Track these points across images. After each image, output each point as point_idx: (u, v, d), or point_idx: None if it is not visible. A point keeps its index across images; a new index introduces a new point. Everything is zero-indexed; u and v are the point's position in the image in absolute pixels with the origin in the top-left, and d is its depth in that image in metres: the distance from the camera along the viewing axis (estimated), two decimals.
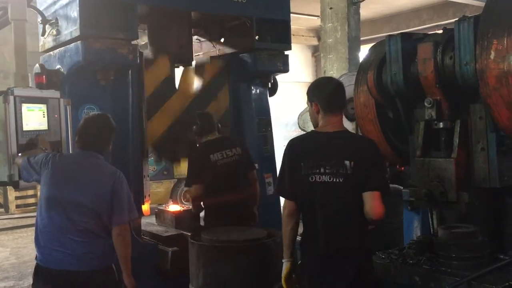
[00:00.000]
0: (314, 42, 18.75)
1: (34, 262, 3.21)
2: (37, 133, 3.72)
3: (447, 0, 13.41)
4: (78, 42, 3.94)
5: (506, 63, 2.62)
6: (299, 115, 7.07)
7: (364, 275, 2.80)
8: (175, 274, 4.07)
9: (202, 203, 4.45)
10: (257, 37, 4.88)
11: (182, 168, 5.03)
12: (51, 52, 4.41)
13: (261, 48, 4.94)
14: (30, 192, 11.50)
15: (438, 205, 3.12)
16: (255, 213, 4.48)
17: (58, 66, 4.22)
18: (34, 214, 3.39)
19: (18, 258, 7.76)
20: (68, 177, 3.17)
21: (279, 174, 3.06)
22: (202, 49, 5.51)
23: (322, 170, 2.79)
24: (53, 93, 3.94)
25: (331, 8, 9.44)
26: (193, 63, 5.20)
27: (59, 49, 4.26)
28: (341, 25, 9.31)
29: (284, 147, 3.01)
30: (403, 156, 3.54)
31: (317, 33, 16.96)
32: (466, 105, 3.04)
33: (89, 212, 3.08)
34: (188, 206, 4.92)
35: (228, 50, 5.18)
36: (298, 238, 3.00)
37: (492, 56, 2.68)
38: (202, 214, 4.61)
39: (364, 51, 5.91)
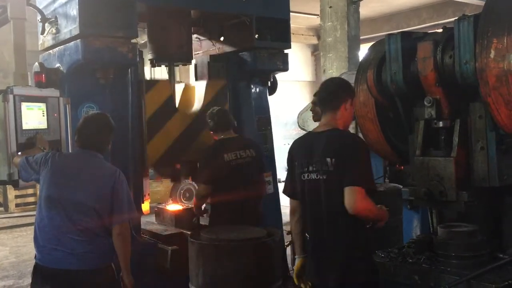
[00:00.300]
0: (314, 41, 18.75)
1: (34, 261, 3.21)
2: (37, 132, 3.72)
3: None
4: (78, 40, 3.94)
5: (506, 62, 2.62)
6: (299, 114, 7.06)
7: (351, 274, 2.81)
8: (174, 273, 4.07)
9: (204, 205, 4.46)
10: (256, 36, 4.88)
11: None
12: (51, 51, 4.41)
13: (261, 46, 4.94)
14: (30, 191, 11.49)
15: (437, 204, 3.12)
16: (261, 214, 4.49)
17: (58, 65, 4.22)
18: (34, 213, 3.39)
19: (17, 257, 7.76)
20: (68, 176, 3.17)
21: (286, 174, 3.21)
22: (202, 47, 5.51)
23: (310, 168, 2.94)
24: (53, 92, 3.93)
25: (330, 7, 9.44)
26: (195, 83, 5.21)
27: (59, 47, 4.26)
28: (340, 24, 9.31)
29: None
30: (403, 155, 3.53)
31: (317, 32, 16.96)
32: (465, 104, 3.04)
33: (89, 211, 3.08)
34: (188, 204, 4.92)
35: (227, 48, 5.18)
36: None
37: (492, 55, 2.68)
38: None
39: (363, 50, 5.91)
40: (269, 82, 5.34)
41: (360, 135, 3.73)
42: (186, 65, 5.33)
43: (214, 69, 5.17)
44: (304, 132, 3.92)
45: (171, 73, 5.04)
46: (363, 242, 2.89)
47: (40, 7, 4.48)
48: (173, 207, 4.96)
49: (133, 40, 4.21)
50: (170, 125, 4.69)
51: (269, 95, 5.46)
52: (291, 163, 3.07)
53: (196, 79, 5.39)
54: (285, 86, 13.85)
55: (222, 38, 5.30)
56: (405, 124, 3.34)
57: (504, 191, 3.04)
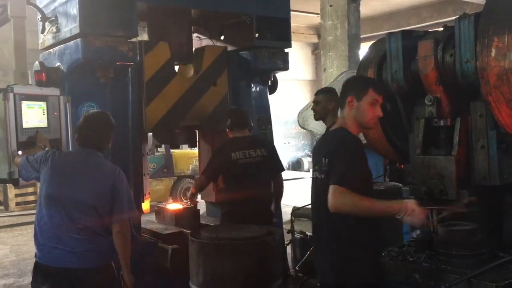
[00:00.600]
0: (314, 39, 18.77)
1: (34, 260, 3.21)
2: (37, 130, 3.72)
3: None
4: (78, 39, 3.94)
5: (507, 61, 2.62)
6: (299, 112, 7.06)
7: (348, 275, 2.81)
8: (175, 272, 4.07)
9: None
10: (257, 35, 4.88)
11: (182, 166, 5.05)
12: (51, 50, 4.41)
13: (261, 46, 4.94)
14: (30, 189, 11.50)
15: (438, 203, 3.12)
16: (271, 215, 4.51)
17: (58, 64, 4.22)
18: (34, 211, 3.39)
19: (18, 255, 7.76)
20: (68, 175, 3.17)
21: None
22: None
23: (316, 167, 2.99)
24: (53, 91, 3.93)
25: (331, 6, 9.44)
26: None
27: (59, 46, 4.26)
28: (341, 22, 9.30)
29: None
30: (403, 154, 3.53)
31: (317, 30, 16.97)
32: (466, 102, 3.03)
33: (89, 210, 3.08)
34: (187, 202, 4.93)
35: (228, 47, 5.18)
36: None
37: (492, 54, 2.67)
38: (202, 212, 4.65)
39: (364, 49, 5.91)
40: (269, 81, 5.34)
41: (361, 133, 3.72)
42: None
43: None
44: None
45: None
46: (361, 242, 2.86)
47: (41, 6, 4.48)
48: (174, 206, 4.96)
49: (133, 39, 4.21)
50: (169, 89, 4.64)
51: (270, 94, 5.46)
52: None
53: None
54: (286, 85, 13.87)
55: (222, 37, 5.30)
56: (405, 122, 3.34)
57: (504, 190, 3.03)
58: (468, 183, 3.00)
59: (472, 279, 2.63)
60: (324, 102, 4.40)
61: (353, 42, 9.32)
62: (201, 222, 4.72)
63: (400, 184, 4.20)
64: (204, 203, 5.58)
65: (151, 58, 4.50)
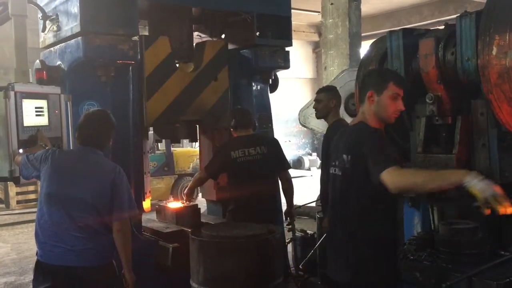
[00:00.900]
0: (315, 38, 18.76)
1: (35, 258, 3.21)
2: (38, 129, 3.72)
3: None
4: (79, 38, 3.94)
5: (508, 59, 2.61)
6: (300, 111, 7.05)
7: (362, 273, 2.72)
8: (175, 270, 4.07)
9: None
10: (258, 33, 4.87)
11: (183, 164, 5.05)
12: (52, 48, 4.41)
13: (262, 44, 4.93)
14: (31, 187, 11.51)
15: (438, 201, 3.12)
16: (275, 212, 4.52)
17: (59, 62, 4.22)
18: (35, 209, 3.39)
19: (19, 253, 7.77)
20: (68, 173, 3.17)
21: None
22: None
23: (335, 163, 2.89)
24: (54, 89, 3.93)
25: (332, 4, 9.43)
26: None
27: (60, 45, 4.26)
28: (342, 21, 9.30)
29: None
30: (404, 152, 3.53)
31: (318, 29, 16.96)
32: (467, 101, 3.03)
33: (89, 208, 3.08)
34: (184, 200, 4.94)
35: (228, 46, 5.17)
36: None
37: (494, 52, 2.67)
38: (203, 210, 4.66)
39: (365, 47, 5.90)
40: (270, 80, 5.34)
41: None
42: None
43: None
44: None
45: None
46: (377, 241, 2.72)
47: (41, 5, 4.47)
48: (174, 204, 4.96)
49: (134, 38, 4.21)
50: (169, 83, 4.60)
51: (270, 92, 5.46)
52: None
53: None
54: (286, 83, 13.86)
55: (223, 36, 5.29)
56: (406, 121, 3.34)
57: (505, 188, 3.03)
58: None
59: (473, 277, 2.64)
60: (326, 101, 4.41)
61: (354, 40, 9.32)
62: (201, 220, 4.72)
63: None
64: (205, 202, 5.58)
65: (152, 53, 4.48)
